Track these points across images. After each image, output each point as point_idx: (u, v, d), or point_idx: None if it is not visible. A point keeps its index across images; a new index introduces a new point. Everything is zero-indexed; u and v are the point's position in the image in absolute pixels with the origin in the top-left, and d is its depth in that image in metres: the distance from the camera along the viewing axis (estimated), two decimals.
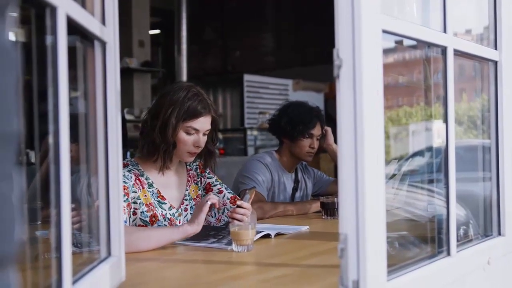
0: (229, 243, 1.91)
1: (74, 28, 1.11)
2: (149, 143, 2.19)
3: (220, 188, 2.38)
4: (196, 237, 2.05)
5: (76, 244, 1.42)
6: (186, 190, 2.33)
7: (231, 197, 2.35)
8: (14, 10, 0.62)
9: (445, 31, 1.51)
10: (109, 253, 1.36)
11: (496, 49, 1.80)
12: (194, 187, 2.36)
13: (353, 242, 1.16)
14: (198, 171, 2.40)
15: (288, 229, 2.26)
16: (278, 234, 2.16)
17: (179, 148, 2.20)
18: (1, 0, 0.57)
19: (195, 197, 2.35)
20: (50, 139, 1.01)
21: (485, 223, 1.86)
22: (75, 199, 1.14)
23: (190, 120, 2.16)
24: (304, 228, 2.34)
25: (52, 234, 1.36)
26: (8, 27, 0.59)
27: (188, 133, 2.18)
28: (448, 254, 1.51)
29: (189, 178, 2.36)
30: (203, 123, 2.19)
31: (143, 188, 2.18)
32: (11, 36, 0.60)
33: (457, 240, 1.55)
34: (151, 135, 2.17)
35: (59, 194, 1.00)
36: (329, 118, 4.82)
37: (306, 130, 2.97)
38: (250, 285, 1.51)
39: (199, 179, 2.39)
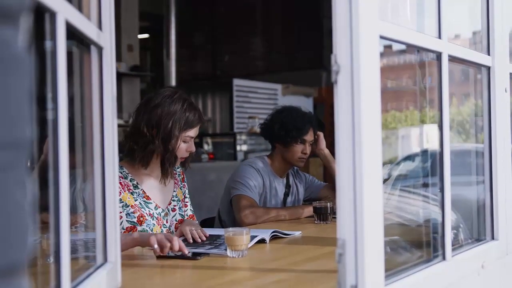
0: (219, 250, 1.90)
1: (71, 33, 1.11)
2: (149, 153, 2.23)
3: (187, 202, 2.49)
4: (193, 245, 2.04)
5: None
6: (174, 191, 2.40)
7: (190, 215, 2.45)
8: (28, 17, 0.62)
9: (439, 36, 1.52)
10: (105, 259, 1.35)
11: (489, 54, 1.81)
12: (179, 191, 2.44)
13: (351, 247, 1.16)
14: (180, 178, 2.48)
15: (282, 233, 2.26)
16: (273, 237, 2.17)
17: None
18: (14, 8, 0.57)
19: (181, 199, 2.43)
20: (48, 145, 1.00)
21: (479, 227, 1.87)
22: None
23: (189, 130, 2.26)
24: (297, 233, 2.34)
25: (45, 240, 1.35)
26: (22, 34, 0.59)
27: (184, 142, 2.27)
28: (444, 258, 1.52)
29: (176, 181, 2.44)
30: (197, 130, 2.31)
31: (125, 191, 2.21)
32: (25, 43, 0.60)
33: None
34: (150, 146, 2.21)
35: (58, 200, 0.99)
36: (318, 122, 4.82)
37: (299, 136, 2.97)
38: None
39: (182, 184, 2.48)
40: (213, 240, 2.11)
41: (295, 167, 3.18)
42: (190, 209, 2.48)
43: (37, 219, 0.63)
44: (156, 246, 1.78)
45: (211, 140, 7.65)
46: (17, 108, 0.56)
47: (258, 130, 3.27)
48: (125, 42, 7.62)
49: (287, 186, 3.14)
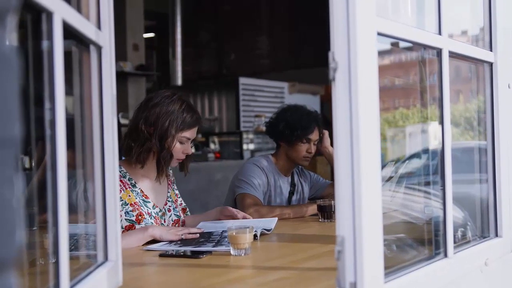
0: (229, 245, 1.90)
1: (69, 32, 1.11)
2: (145, 151, 2.26)
3: (180, 198, 2.52)
4: (193, 243, 2.04)
5: (71, 248, 1.41)
6: (168, 192, 2.44)
7: (175, 220, 2.42)
8: (15, 16, 0.62)
9: (440, 33, 1.51)
10: (106, 258, 1.36)
11: (491, 50, 1.80)
12: (172, 193, 2.48)
13: (350, 244, 1.16)
14: (173, 179, 2.52)
15: (260, 222, 2.33)
16: (262, 234, 2.20)
17: None
18: (1, 8, 0.58)
19: (174, 200, 2.47)
20: (47, 145, 1.01)
21: (482, 224, 1.86)
22: (71, 204, 1.13)
23: (186, 130, 2.29)
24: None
25: (47, 239, 1.35)
26: (9, 33, 0.59)
27: (181, 142, 2.30)
28: (445, 255, 1.51)
29: (169, 182, 2.48)
30: (195, 132, 2.34)
31: (126, 189, 2.25)
32: (12, 42, 0.60)
33: (455, 242, 1.55)
34: (147, 144, 2.24)
35: (56, 199, 1.00)
36: (325, 120, 4.82)
37: (304, 135, 2.96)
38: None
39: (174, 186, 2.52)
40: (209, 238, 2.11)
41: (300, 166, 3.17)
42: (175, 214, 2.45)
43: (24, 216, 0.64)
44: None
45: (218, 139, 7.65)
46: (5, 106, 0.57)
47: (264, 128, 3.28)
48: (131, 41, 7.62)
49: (292, 184, 3.14)
